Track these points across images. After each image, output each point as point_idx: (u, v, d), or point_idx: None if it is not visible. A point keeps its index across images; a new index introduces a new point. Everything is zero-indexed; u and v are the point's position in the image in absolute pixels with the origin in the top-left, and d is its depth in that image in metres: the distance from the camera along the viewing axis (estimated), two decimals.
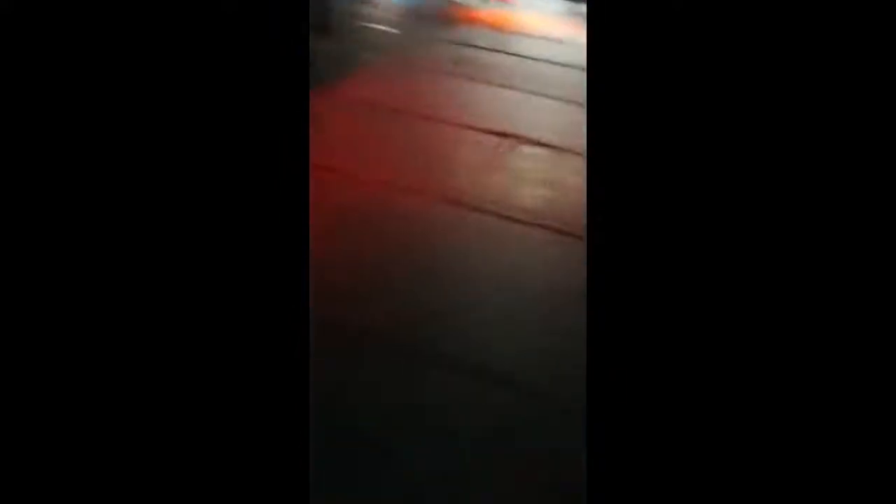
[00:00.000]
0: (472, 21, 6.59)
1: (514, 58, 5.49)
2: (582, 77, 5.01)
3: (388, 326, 2.10)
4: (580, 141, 3.68)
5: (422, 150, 3.49)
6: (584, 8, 7.92)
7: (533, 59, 5.51)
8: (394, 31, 5.73)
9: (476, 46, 5.60)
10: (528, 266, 2.57)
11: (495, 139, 3.68)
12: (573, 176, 3.35)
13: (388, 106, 3.95)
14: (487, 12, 7.00)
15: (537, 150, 3.63)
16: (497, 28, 6.45)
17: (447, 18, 6.52)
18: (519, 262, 2.59)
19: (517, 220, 2.86)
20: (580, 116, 4.11)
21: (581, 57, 5.62)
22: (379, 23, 5.78)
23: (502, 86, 4.74)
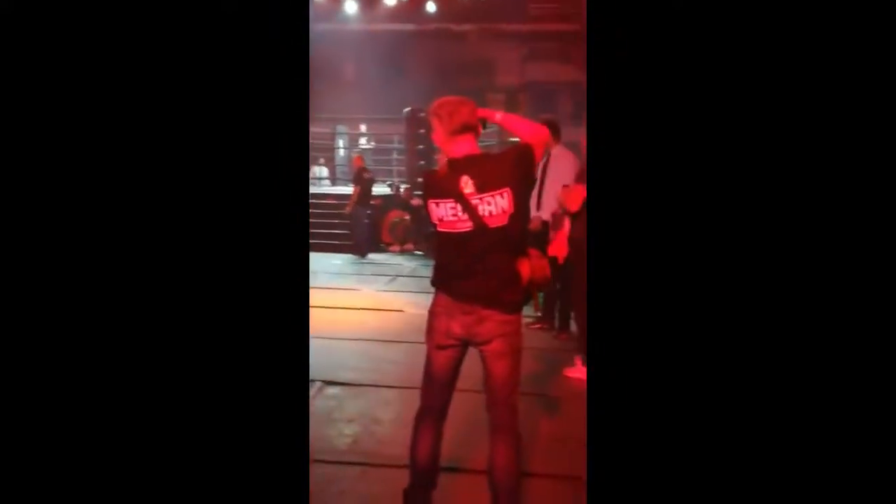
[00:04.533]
0: None
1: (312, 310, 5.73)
2: (372, 315, 5.33)
3: None
4: (377, 375, 3.83)
5: None
6: (363, 261, 8.64)
7: (328, 307, 5.79)
8: None
9: None
10: None
11: None
12: (376, 411, 3.42)
13: None
14: None
15: (338, 391, 3.69)
16: None
17: None
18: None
19: (326, 462, 2.81)
20: (375, 351, 4.32)
21: (367, 300, 6.01)
22: None
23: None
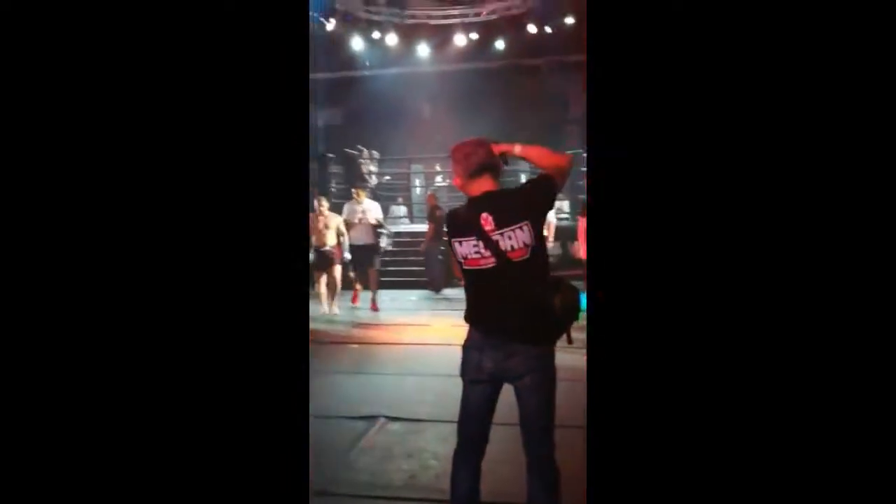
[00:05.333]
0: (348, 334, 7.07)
1: (383, 347, 5.85)
2: (441, 351, 5.38)
3: None
4: (439, 410, 3.86)
5: None
6: (438, 296, 8.75)
7: (400, 344, 5.89)
8: None
9: (354, 342, 5.95)
10: None
11: (363, 423, 3.77)
12: (434, 445, 3.44)
13: None
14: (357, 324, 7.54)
15: (400, 426, 3.74)
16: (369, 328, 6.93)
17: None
18: None
19: (382, 497, 2.85)
20: (441, 386, 4.35)
21: (438, 335, 6.08)
22: None
23: (371, 373, 4.99)
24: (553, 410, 2.07)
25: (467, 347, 2.14)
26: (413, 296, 8.95)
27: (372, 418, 3.82)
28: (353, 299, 8.03)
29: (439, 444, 3.41)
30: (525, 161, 2.20)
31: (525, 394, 2.04)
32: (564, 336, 2.04)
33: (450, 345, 5.88)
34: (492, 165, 2.10)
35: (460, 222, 2.10)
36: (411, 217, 13.05)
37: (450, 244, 2.15)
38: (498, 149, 2.13)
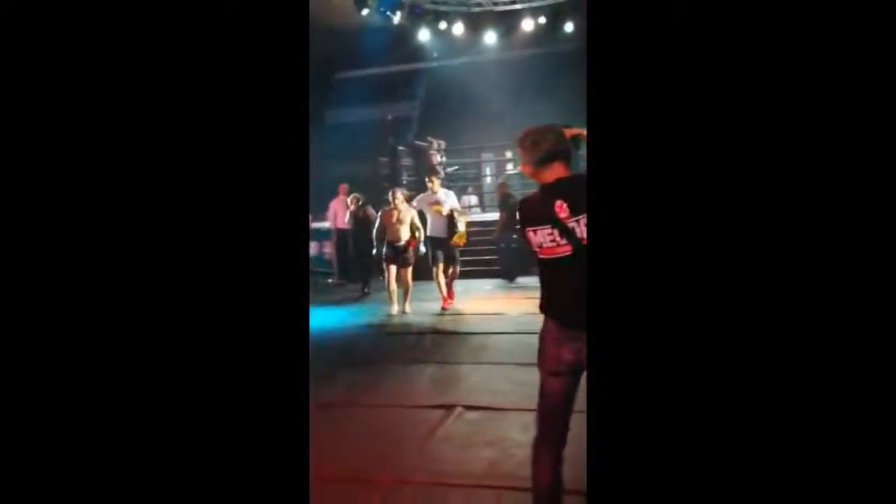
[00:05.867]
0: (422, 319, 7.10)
1: (459, 336, 5.84)
2: (517, 340, 5.32)
3: None
4: (517, 398, 3.80)
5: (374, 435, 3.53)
6: (512, 285, 8.65)
7: (475, 333, 5.86)
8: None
9: (429, 332, 5.98)
10: None
11: (441, 412, 3.76)
12: (514, 433, 3.38)
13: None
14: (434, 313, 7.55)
15: (478, 415, 3.70)
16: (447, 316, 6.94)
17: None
18: None
19: (463, 486, 2.82)
20: (518, 375, 4.29)
21: (514, 324, 6.01)
22: None
23: (447, 362, 4.98)
24: None
25: (545, 339, 2.09)
26: (488, 285, 8.90)
27: (450, 407, 3.80)
28: (444, 302, 7.19)
29: (520, 433, 3.35)
30: None
31: None
32: None
33: (525, 333, 5.84)
34: (563, 151, 2.03)
35: (533, 211, 2.05)
36: (483, 206, 12.99)
37: (523, 233, 2.09)
38: (570, 133, 2.07)
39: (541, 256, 2.04)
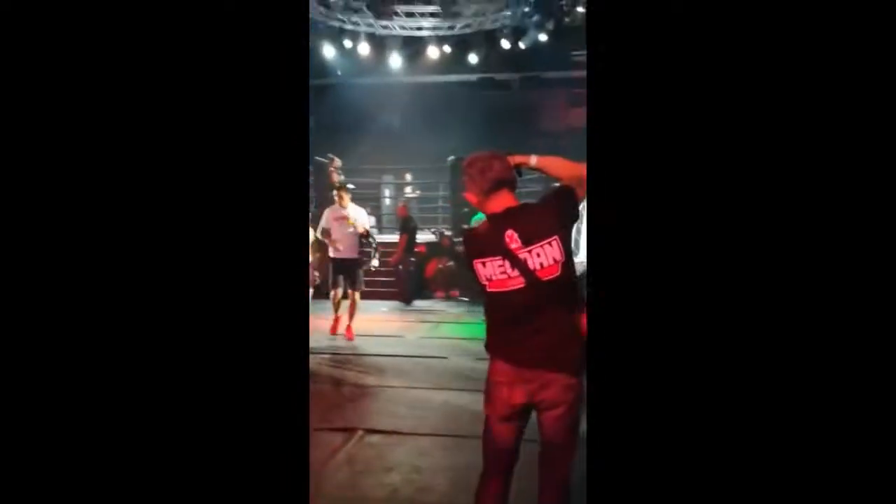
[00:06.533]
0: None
1: (357, 357, 5.76)
2: (415, 362, 5.33)
3: None
4: (416, 422, 3.80)
5: None
6: (408, 308, 8.67)
7: (375, 355, 5.81)
8: None
9: (328, 353, 5.85)
10: None
11: (342, 435, 3.69)
12: (414, 458, 3.38)
13: None
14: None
15: (379, 439, 3.67)
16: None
17: None
18: None
19: None
20: (418, 397, 4.30)
21: (413, 347, 6.02)
22: None
23: (347, 384, 4.90)
24: (578, 438, 1.93)
25: (495, 383, 1.96)
26: (384, 307, 8.87)
27: (351, 430, 3.74)
28: (333, 328, 6.53)
29: (419, 458, 3.35)
30: (540, 173, 2.09)
31: (556, 423, 1.92)
32: None
33: (423, 357, 5.86)
34: (510, 180, 1.96)
35: (482, 242, 1.93)
36: (380, 227, 12.96)
37: (469, 265, 1.96)
38: (514, 160, 2.00)
39: (490, 290, 1.92)
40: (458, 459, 3.20)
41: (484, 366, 2.06)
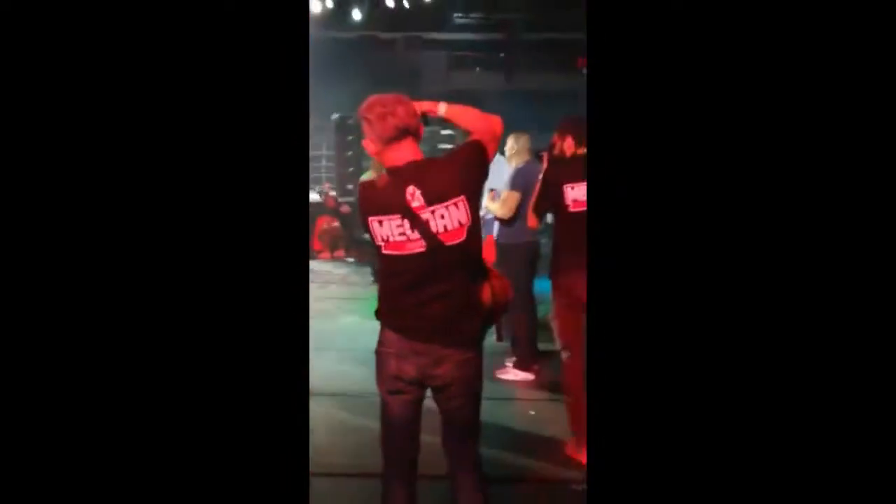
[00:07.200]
0: None
1: None
2: None
3: None
4: None
5: None
6: None
7: None
8: None
9: None
10: None
11: None
12: None
13: None
14: None
15: None
16: None
17: None
18: None
19: None
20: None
21: None
22: None
23: None
24: (478, 416, 1.86)
25: (383, 354, 1.79)
26: None
27: None
28: None
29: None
30: (449, 124, 1.91)
31: (450, 402, 1.79)
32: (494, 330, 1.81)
33: (311, 317, 5.79)
34: (414, 128, 1.71)
35: (379, 197, 1.71)
36: None
37: (364, 223, 1.75)
38: (420, 107, 1.78)
39: (385, 252, 1.71)
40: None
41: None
